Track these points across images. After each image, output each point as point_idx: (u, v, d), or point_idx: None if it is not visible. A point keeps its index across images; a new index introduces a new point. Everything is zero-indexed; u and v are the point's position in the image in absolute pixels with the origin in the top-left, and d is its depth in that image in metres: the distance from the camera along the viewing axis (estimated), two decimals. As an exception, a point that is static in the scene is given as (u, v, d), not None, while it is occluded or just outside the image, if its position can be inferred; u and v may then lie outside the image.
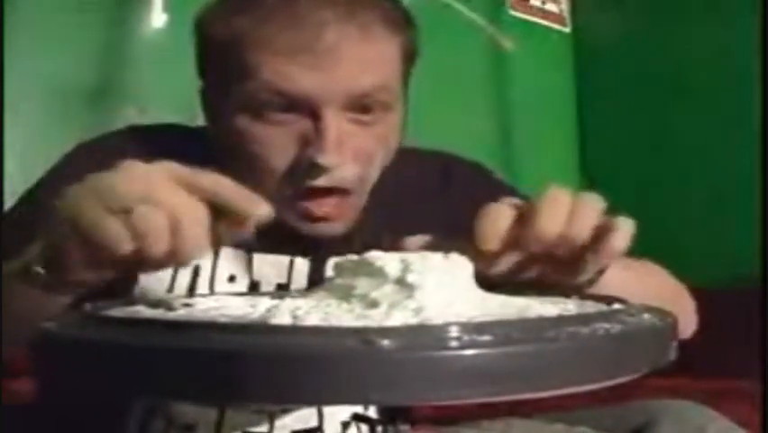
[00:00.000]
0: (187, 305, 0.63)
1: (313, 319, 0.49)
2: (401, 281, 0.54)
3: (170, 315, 0.57)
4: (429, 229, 0.99)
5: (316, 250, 0.95)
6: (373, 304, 0.53)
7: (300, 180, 0.89)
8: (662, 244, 2.25)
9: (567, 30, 2.65)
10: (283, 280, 0.96)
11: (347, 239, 0.93)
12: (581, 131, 2.64)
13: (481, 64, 2.45)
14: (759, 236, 1.81)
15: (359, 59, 0.88)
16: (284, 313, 0.50)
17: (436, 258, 0.58)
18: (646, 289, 0.86)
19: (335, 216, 0.92)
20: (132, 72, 1.86)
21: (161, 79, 1.80)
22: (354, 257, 0.59)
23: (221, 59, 0.91)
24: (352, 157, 0.90)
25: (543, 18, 2.60)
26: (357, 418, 0.83)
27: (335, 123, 0.88)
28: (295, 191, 0.89)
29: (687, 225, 2.30)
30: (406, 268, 0.55)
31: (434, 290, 0.54)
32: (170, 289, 0.95)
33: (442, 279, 0.55)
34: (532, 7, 2.58)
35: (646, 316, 0.56)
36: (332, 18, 0.87)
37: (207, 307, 0.61)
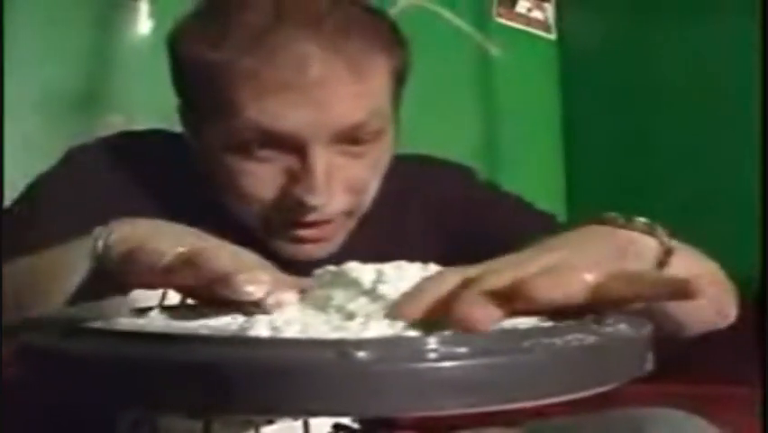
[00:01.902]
0: (166, 314, 0.63)
1: (291, 331, 0.50)
2: (373, 292, 0.54)
3: (150, 326, 0.57)
4: (412, 236, 0.99)
5: (300, 267, 0.92)
6: (350, 315, 0.53)
7: (288, 216, 0.87)
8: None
9: (552, 37, 2.66)
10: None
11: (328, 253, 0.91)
12: (567, 137, 2.65)
13: (467, 71, 2.46)
14: (758, 243, 1.80)
15: (347, 93, 0.84)
16: (262, 325, 0.51)
17: (412, 268, 0.58)
18: (715, 279, 0.84)
19: (325, 239, 0.89)
20: (119, 79, 1.86)
21: (148, 87, 1.80)
22: (332, 268, 0.60)
23: (199, 88, 0.87)
24: (344, 189, 0.87)
25: (528, 25, 2.61)
26: (337, 427, 0.83)
27: (324, 158, 0.84)
28: (282, 222, 0.87)
29: (672, 230, 2.31)
30: (378, 279, 0.55)
31: None
32: (162, 300, 0.94)
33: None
34: (517, 15, 2.59)
35: (623, 326, 0.56)
36: (316, 51, 0.82)
37: (187, 318, 0.61)
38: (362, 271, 0.56)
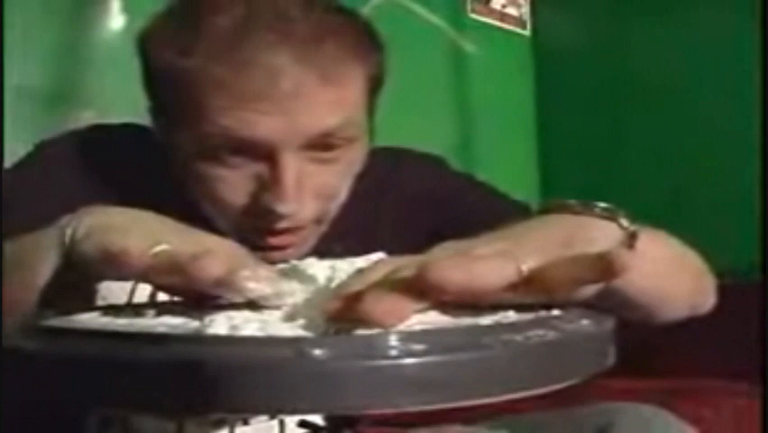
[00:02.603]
0: (130, 313, 0.63)
1: (249, 329, 0.49)
2: (327, 289, 0.54)
3: (111, 325, 0.57)
4: (387, 229, 0.99)
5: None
6: None
7: (258, 223, 0.86)
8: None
9: (527, 33, 2.67)
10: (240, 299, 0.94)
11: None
12: (541, 133, 2.66)
13: (442, 67, 2.47)
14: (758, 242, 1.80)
15: (319, 102, 0.82)
16: (221, 323, 0.50)
17: (365, 264, 0.58)
18: (682, 261, 0.85)
19: (295, 245, 0.88)
20: (91, 75, 1.85)
21: (120, 83, 1.79)
22: (290, 264, 0.60)
23: (169, 93, 0.86)
24: (313, 196, 0.86)
25: (503, 21, 2.62)
26: (302, 424, 0.83)
27: (294, 166, 0.83)
28: (252, 228, 0.86)
29: (649, 225, 2.32)
30: (331, 276, 0.55)
31: None
32: (131, 297, 0.92)
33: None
34: (492, 11, 2.60)
35: (585, 322, 0.56)
36: (287, 61, 0.80)
37: (148, 316, 0.61)
38: (318, 268, 0.56)
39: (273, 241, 0.87)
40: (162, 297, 0.94)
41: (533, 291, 0.56)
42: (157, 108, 0.91)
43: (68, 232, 0.65)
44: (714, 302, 0.90)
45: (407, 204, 1.01)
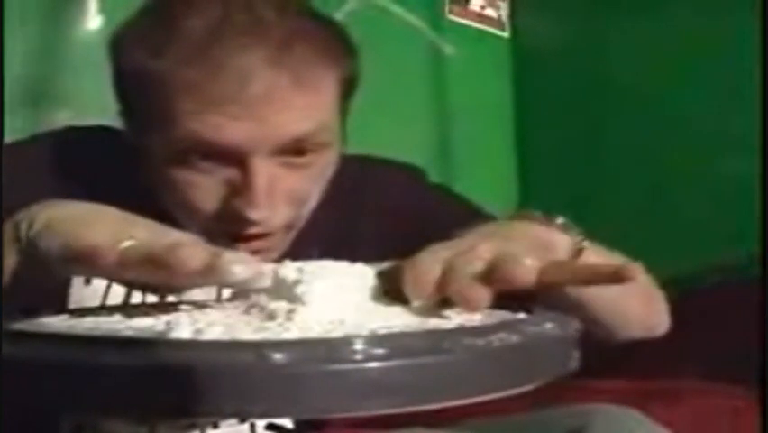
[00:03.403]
0: (96, 315, 0.63)
1: (213, 333, 0.50)
2: (292, 293, 0.55)
3: (77, 328, 0.57)
4: (360, 239, 0.99)
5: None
6: (271, 316, 0.53)
7: (228, 228, 0.85)
8: (603, 246, 2.28)
9: (506, 35, 2.67)
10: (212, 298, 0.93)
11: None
12: (520, 135, 2.66)
13: (419, 69, 2.46)
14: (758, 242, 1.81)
15: (291, 107, 0.82)
16: (185, 326, 0.50)
17: (335, 268, 0.58)
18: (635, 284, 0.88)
19: (264, 251, 0.87)
20: (67, 76, 1.84)
21: (97, 83, 1.77)
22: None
23: (139, 96, 0.85)
24: (285, 201, 0.86)
25: (481, 23, 2.61)
26: (270, 427, 0.83)
27: (264, 171, 0.82)
28: (222, 234, 0.85)
29: (626, 230, 2.33)
30: (298, 279, 0.55)
31: (326, 300, 0.54)
32: (103, 302, 0.92)
33: (336, 289, 0.56)
34: (471, 12, 2.60)
35: (549, 325, 0.57)
36: (259, 64, 0.80)
37: (116, 319, 0.61)
38: (284, 271, 0.57)
39: (243, 247, 0.85)
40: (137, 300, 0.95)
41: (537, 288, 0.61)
42: (127, 112, 0.90)
43: (23, 227, 0.65)
44: (667, 325, 0.96)
45: (388, 218, 1.00)
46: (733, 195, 2.11)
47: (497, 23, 2.66)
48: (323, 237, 0.92)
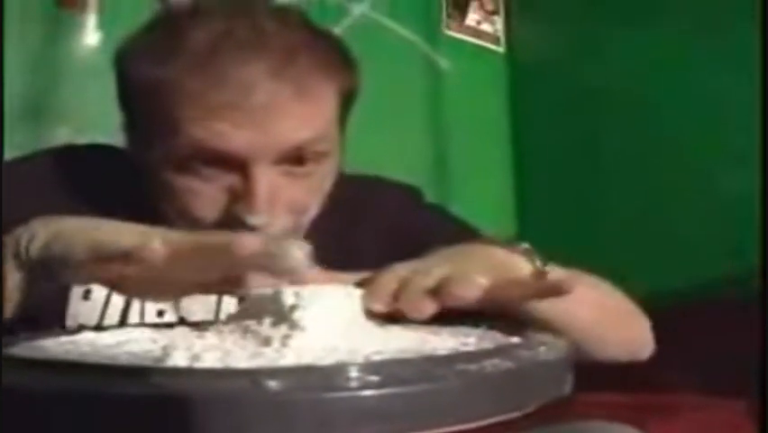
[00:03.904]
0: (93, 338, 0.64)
1: (209, 359, 0.50)
2: (289, 318, 0.55)
3: (72, 354, 0.57)
4: (358, 256, 1.00)
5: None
6: (266, 341, 0.54)
7: None
8: (600, 260, 2.28)
9: (501, 49, 2.68)
10: (210, 317, 0.93)
11: None
12: (516, 149, 2.67)
13: (417, 84, 2.47)
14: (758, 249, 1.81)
15: (292, 115, 0.84)
16: (181, 352, 0.51)
17: (330, 292, 0.59)
18: (612, 308, 0.94)
19: None
20: (66, 92, 1.85)
21: (96, 99, 1.79)
22: (255, 291, 0.60)
23: (143, 104, 0.87)
24: (285, 210, 0.87)
25: (477, 38, 2.62)
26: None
27: (266, 179, 0.84)
28: None
29: (624, 243, 2.33)
30: (295, 305, 0.56)
31: (322, 326, 0.55)
32: (101, 317, 0.94)
33: (332, 314, 0.56)
34: (467, 27, 2.61)
35: (542, 349, 0.57)
36: (261, 75, 0.82)
37: (113, 341, 0.62)
38: (280, 296, 0.57)
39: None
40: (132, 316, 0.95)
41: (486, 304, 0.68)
42: (130, 122, 0.92)
43: (23, 242, 0.67)
44: (651, 348, 1.01)
45: (384, 237, 1.01)
46: (732, 209, 2.11)
47: (492, 37, 2.66)
48: (321, 252, 0.93)
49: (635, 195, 2.37)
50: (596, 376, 0.80)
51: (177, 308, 0.94)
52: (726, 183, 2.14)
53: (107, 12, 1.92)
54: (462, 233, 1.04)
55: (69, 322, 0.93)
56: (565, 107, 2.54)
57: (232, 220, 0.85)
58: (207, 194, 0.86)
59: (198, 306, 0.95)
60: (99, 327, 0.81)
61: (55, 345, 0.62)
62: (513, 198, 2.63)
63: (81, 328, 0.73)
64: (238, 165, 0.84)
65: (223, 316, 0.93)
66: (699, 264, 2.14)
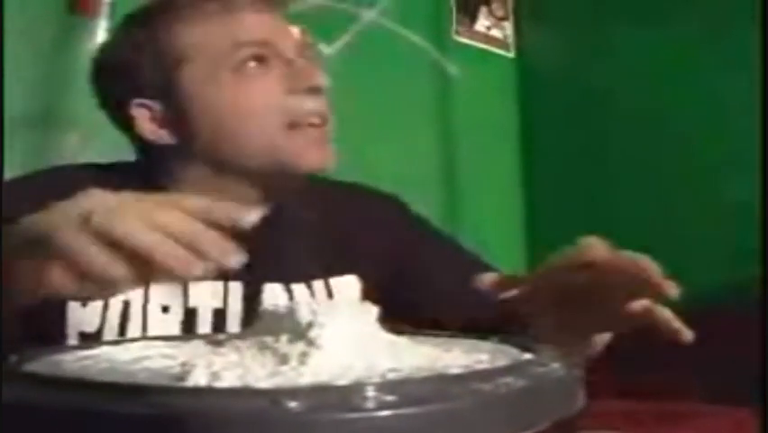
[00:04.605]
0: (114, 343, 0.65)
1: (228, 377, 0.51)
2: (306, 336, 0.56)
3: (91, 372, 0.58)
4: (349, 260, 1.05)
5: (248, 272, 0.85)
6: (284, 359, 0.55)
7: (295, 119, 0.96)
8: None
9: (511, 55, 2.69)
10: (219, 305, 0.98)
11: (275, 262, 0.98)
12: (525, 154, 2.67)
13: (425, 90, 2.48)
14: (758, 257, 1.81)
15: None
16: (201, 370, 0.52)
17: (346, 307, 0.60)
18: None
19: (327, 142, 1.00)
20: (75, 98, 1.85)
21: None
22: (274, 305, 0.61)
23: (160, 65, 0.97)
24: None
25: (487, 44, 2.63)
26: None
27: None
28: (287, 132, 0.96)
29: (632, 245, 2.32)
30: (311, 322, 0.57)
31: (338, 343, 0.56)
32: (102, 321, 0.95)
33: (347, 330, 0.57)
34: (477, 33, 2.62)
35: (555, 366, 0.58)
36: None
37: (131, 357, 0.63)
38: (298, 312, 0.58)
39: (313, 134, 0.98)
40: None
41: None
42: (140, 101, 0.99)
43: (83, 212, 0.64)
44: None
45: (370, 243, 1.08)
46: (736, 215, 2.12)
47: (502, 43, 2.67)
48: (323, 249, 1.03)
49: (643, 201, 2.37)
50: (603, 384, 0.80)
51: (185, 299, 0.97)
52: (732, 189, 2.15)
53: (118, 17, 1.93)
54: (444, 241, 1.15)
55: (70, 330, 0.94)
56: (574, 112, 2.55)
57: (294, 100, 0.96)
58: (263, 85, 0.96)
59: (205, 293, 0.97)
60: (116, 341, 0.82)
61: (74, 361, 0.63)
62: (522, 202, 2.64)
63: (98, 342, 0.74)
64: (275, 53, 0.97)
65: (231, 301, 0.98)
66: (706, 270, 2.15)
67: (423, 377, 0.52)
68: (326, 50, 2.29)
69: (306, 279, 1.01)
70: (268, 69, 0.97)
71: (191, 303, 0.97)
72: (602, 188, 2.47)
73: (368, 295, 1.02)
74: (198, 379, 0.51)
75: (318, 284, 1.02)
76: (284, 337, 0.58)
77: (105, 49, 1.05)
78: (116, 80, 1.01)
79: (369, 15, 2.39)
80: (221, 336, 0.71)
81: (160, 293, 0.96)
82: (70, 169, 1.07)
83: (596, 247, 0.81)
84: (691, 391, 1.81)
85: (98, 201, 0.64)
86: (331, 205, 1.07)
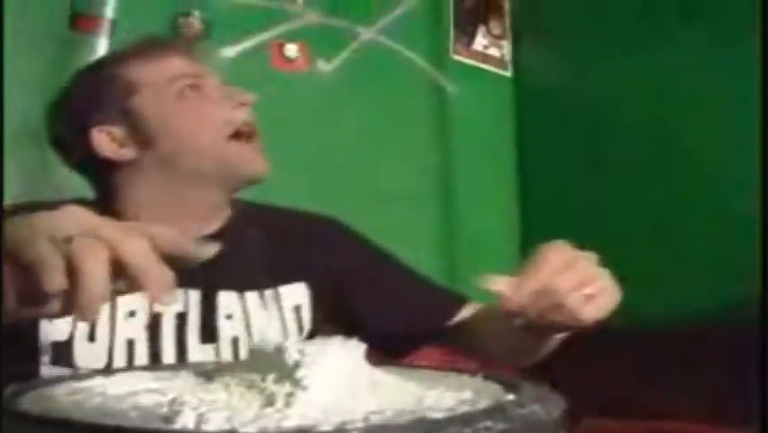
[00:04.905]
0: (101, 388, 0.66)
1: (215, 419, 0.52)
2: (292, 376, 0.57)
3: (81, 406, 0.60)
4: (296, 272, 1.16)
5: (205, 281, 1.09)
6: (271, 399, 0.56)
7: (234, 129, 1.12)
8: None
9: (508, 74, 2.70)
10: (181, 309, 1.09)
11: (229, 273, 1.07)
12: (522, 173, 2.68)
13: (423, 108, 2.50)
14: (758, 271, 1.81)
15: None
16: (188, 411, 0.53)
17: (332, 347, 0.61)
18: None
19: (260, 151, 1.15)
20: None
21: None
22: (262, 344, 0.63)
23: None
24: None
25: (485, 63, 2.65)
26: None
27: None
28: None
29: (628, 266, 2.31)
30: (298, 362, 0.58)
31: (324, 384, 0.57)
32: (72, 330, 1.04)
33: (334, 371, 0.58)
34: (474, 52, 2.63)
35: (536, 407, 0.59)
36: None
37: (123, 391, 0.64)
38: (286, 352, 0.59)
39: (249, 147, 1.14)
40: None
41: None
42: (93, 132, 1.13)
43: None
44: None
45: (319, 260, 1.20)
46: (735, 232, 2.12)
47: (499, 62, 2.69)
48: (264, 267, 1.15)
49: (639, 220, 2.38)
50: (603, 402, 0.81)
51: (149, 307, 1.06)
52: (730, 205, 2.15)
53: (119, 34, 1.95)
54: (382, 259, 1.26)
55: (42, 340, 1.03)
56: (571, 131, 2.56)
57: (231, 114, 1.13)
58: (204, 105, 1.13)
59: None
60: (106, 371, 0.83)
61: (67, 395, 0.64)
62: (518, 220, 2.65)
63: (89, 374, 0.75)
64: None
65: (191, 306, 1.10)
66: (704, 288, 2.15)
67: (404, 422, 0.53)
68: (325, 66, 2.31)
69: (258, 288, 1.14)
70: (202, 93, 1.14)
71: (156, 308, 1.06)
72: (598, 205, 2.48)
73: (316, 303, 1.17)
74: (186, 421, 0.52)
75: (269, 292, 1.15)
76: (271, 376, 0.59)
77: (65, 91, 1.20)
78: (79, 112, 1.15)
79: (368, 34, 2.41)
80: (209, 366, 0.72)
81: (128, 300, 1.04)
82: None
83: (505, 299, 0.86)
84: (687, 409, 1.81)
85: (75, 219, 0.68)
86: (278, 225, 1.20)
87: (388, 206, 2.29)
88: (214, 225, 1.16)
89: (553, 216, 2.57)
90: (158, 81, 1.14)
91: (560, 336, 1.03)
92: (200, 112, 1.13)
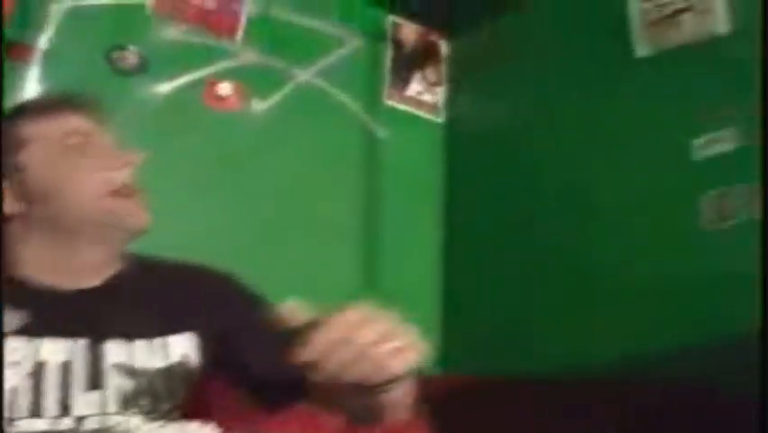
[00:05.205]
0: None
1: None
2: None
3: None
4: (185, 322, 1.21)
5: (93, 330, 1.12)
6: None
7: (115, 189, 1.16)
8: (524, 339, 2.25)
9: (440, 120, 2.72)
10: (67, 358, 1.10)
11: (118, 322, 1.14)
12: (450, 219, 2.67)
13: (353, 152, 2.52)
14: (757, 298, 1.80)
15: None
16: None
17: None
18: None
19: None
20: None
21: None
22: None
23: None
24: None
25: (417, 108, 2.67)
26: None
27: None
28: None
29: (554, 321, 2.32)
30: None
31: None
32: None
33: None
34: (408, 98, 2.66)
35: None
36: None
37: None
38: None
39: (130, 202, 1.18)
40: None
41: None
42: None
43: None
44: None
45: (212, 313, 1.24)
46: (664, 291, 2.10)
47: (432, 108, 2.71)
48: (154, 316, 1.19)
49: (566, 277, 2.35)
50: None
51: (36, 354, 1.09)
52: (664, 266, 2.14)
53: (51, 64, 1.95)
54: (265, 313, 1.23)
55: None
56: (501, 179, 2.55)
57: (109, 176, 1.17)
58: (88, 165, 1.17)
59: (54, 348, 1.11)
60: None
61: None
62: (442, 267, 2.64)
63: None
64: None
65: (76, 355, 1.12)
66: (630, 340, 2.14)
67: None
68: (260, 105, 2.33)
69: (147, 336, 1.17)
70: (88, 153, 1.18)
71: (41, 357, 1.09)
72: (525, 261, 2.45)
73: (203, 352, 1.21)
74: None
75: (158, 340, 1.18)
76: None
77: None
78: None
79: (304, 75, 2.43)
80: None
81: (12, 348, 1.08)
82: None
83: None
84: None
85: None
86: (168, 277, 1.25)
87: (313, 245, 2.30)
88: (101, 278, 1.20)
89: (477, 263, 2.56)
90: (48, 137, 1.19)
91: (406, 395, 1.04)
92: (82, 170, 1.17)
